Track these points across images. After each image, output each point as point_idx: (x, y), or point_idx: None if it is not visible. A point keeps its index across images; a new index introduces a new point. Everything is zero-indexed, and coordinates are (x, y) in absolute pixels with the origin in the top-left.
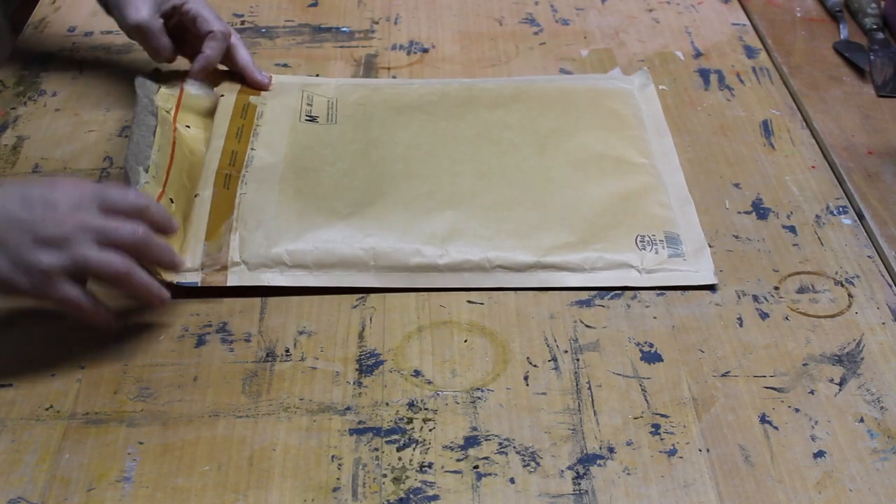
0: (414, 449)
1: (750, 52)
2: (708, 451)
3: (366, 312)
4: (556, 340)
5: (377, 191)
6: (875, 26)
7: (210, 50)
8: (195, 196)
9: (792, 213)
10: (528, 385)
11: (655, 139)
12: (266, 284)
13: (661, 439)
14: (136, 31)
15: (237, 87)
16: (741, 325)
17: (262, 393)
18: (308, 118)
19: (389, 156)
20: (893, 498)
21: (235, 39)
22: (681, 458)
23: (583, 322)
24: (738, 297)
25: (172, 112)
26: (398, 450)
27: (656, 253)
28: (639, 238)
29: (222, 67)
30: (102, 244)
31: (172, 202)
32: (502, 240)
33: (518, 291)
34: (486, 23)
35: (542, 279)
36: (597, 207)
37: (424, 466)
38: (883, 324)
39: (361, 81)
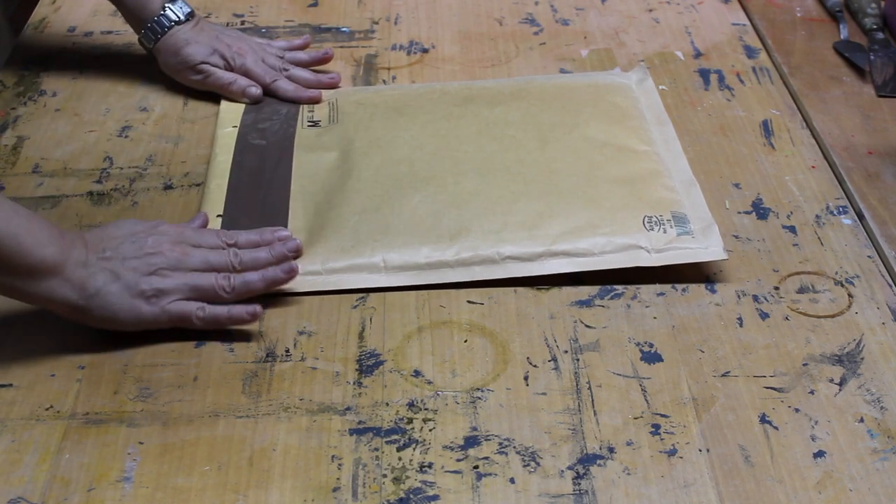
0: (414, 449)
1: (750, 52)
2: (708, 451)
3: (366, 312)
4: (556, 340)
5: (383, 195)
6: (875, 26)
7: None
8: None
9: (792, 213)
10: (528, 385)
11: (656, 128)
12: (278, 290)
13: (661, 439)
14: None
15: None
16: (741, 324)
17: (262, 393)
18: (310, 123)
19: (393, 157)
20: (893, 498)
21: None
22: (681, 458)
23: (583, 322)
24: (738, 296)
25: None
26: (398, 450)
27: (664, 232)
28: (646, 219)
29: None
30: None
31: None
32: (511, 232)
33: (518, 291)
34: (486, 23)
35: (553, 266)
36: (602, 193)
37: (424, 466)
38: (883, 324)
39: (360, 88)
